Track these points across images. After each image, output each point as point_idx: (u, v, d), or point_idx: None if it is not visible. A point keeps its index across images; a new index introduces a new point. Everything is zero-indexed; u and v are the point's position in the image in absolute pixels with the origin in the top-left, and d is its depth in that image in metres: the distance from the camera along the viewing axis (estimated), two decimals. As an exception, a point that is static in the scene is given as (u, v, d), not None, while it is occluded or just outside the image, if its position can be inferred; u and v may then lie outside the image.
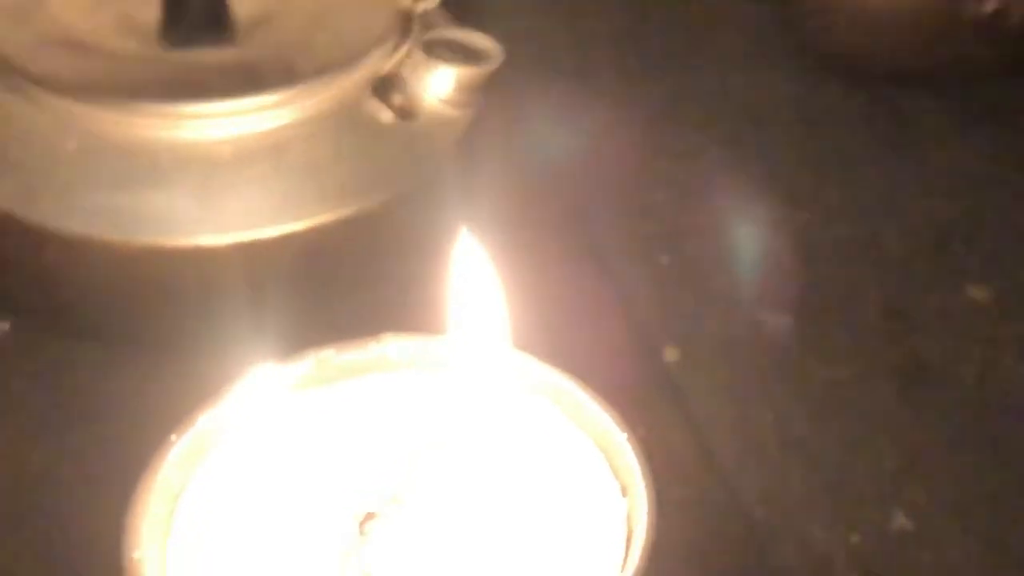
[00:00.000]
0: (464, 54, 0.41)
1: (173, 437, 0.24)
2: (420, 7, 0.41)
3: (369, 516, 0.23)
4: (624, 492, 0.23)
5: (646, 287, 0.43)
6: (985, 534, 0.35)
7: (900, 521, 0.35)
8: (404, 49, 0.40)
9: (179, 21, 0.40)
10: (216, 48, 0.40)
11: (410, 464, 0.24)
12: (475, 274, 0.24)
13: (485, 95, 0.41)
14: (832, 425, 0.38)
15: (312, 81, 0.39)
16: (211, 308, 0.38)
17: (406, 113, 0.40)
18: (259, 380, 0.25)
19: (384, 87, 0.40)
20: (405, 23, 0.41)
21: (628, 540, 0.22)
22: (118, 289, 0.38)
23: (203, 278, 0.37)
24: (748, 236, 0.45)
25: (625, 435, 0.23)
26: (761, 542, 0.35)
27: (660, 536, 0.21)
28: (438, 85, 0.40)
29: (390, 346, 0.26)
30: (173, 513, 0.24)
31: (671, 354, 0.41)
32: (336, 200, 0.38)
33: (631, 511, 0.22)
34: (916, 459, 0.37)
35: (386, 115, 0.40)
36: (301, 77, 0.39)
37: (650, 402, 0.38)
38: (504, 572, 0.22)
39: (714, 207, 0.46)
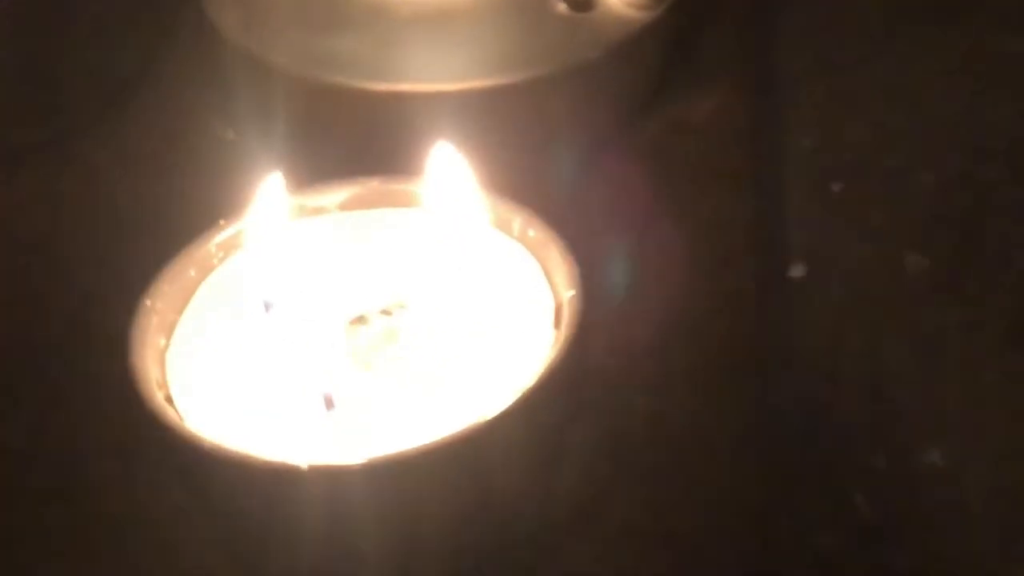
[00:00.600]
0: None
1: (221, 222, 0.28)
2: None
3: (360, 319, 0.29)
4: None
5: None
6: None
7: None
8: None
9: None
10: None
11: (396, 283, 0.30)
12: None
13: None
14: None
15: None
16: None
17: (579, 5, 0.43)
18: (273, 200, 0.29)
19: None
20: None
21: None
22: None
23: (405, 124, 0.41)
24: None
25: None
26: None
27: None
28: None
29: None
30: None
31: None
32: (501, 68, 0.42)
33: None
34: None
35: (560, 5, 0.43)
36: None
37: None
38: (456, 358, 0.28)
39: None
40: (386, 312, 0.29)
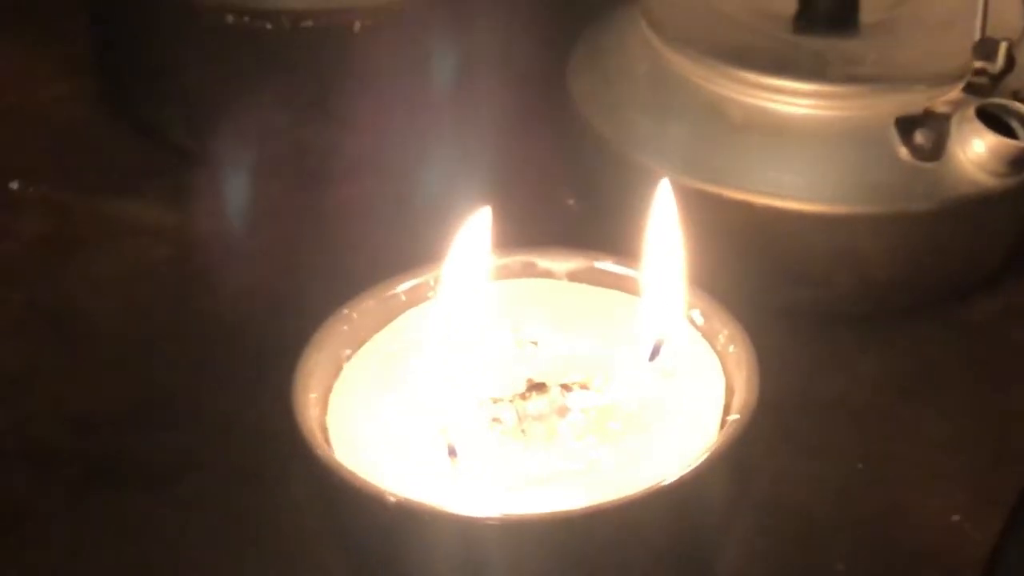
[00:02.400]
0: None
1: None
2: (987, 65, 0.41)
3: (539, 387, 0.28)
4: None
5: None
6: None
7: None
8: (951, 96, 0.40)
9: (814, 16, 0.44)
10: (840, 39, 0.44)
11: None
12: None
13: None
14: None
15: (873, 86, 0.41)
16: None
17: (923, 154, 0.40)
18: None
19: (909, 122, 0.40)
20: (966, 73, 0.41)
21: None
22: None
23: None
24: None
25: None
26: None
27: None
28: (973, 145, 0.40)
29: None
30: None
31: None
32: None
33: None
34: None
35: (902, 149, 0.40)
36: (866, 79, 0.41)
37: None
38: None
39: None
40: (566, 387, 0.28)
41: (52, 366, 0.42)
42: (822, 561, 0.34)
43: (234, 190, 0.48)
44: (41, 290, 0.45)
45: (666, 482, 0.25)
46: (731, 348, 0.28)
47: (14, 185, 0.50)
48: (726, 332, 0.29)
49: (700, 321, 0.30)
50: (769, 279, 0.42)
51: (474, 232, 0.29)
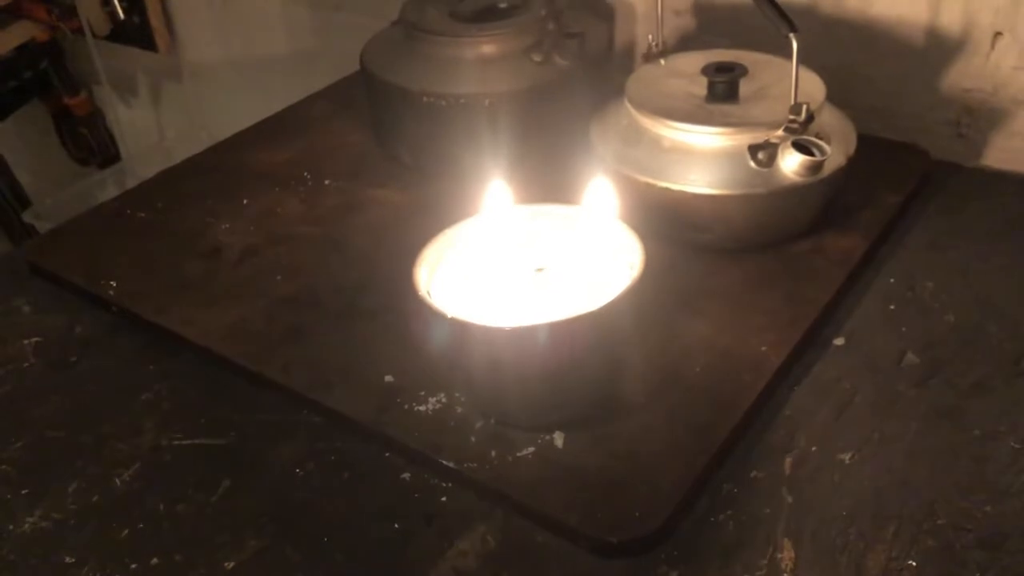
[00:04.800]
0: (818, 150, 0.77)
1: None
2: (796, 118, 0.77)
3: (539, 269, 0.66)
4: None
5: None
6: None
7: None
8: (778, 134, 0.77)
9: (714, 95, 0.81)
10: (727, 105, 0.81)
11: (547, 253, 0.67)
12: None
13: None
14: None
15: (739, 128, 0.78)
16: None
17: (764, 164, 0.76)
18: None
19: (756, 148, 0.76)
20: (786, 121, 0.77)
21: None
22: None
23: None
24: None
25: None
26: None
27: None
28: (789, 160, 0.76)
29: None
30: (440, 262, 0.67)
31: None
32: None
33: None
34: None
35: (752, 162, 0.77)
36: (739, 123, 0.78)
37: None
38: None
39: None
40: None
41: (330, 261, 0.85)
42: (683, 375, 0.70)
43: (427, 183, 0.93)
44: (335, 229, 0.89)
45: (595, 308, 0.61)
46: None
47: (327, 181, 0.95)
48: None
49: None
50: (676, 227, 0.79)
51: (501, 191, 0.67)
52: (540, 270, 0.65)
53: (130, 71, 1.69)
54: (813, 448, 0.64)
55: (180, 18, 1.55)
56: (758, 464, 0.63)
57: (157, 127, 1.73)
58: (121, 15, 1.53)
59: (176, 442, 0.69)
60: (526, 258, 0.66)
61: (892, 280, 0.78)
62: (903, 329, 0.73)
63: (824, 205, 0.81)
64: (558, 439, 0.64)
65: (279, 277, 0.82)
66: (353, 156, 1.00)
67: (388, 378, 0.70)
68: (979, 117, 0.93)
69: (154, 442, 0.69)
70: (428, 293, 0.63)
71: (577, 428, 0.65)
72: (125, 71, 1.69)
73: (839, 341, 0.73)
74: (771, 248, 0.80)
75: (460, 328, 0.60)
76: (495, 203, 0.67)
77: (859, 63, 0.95)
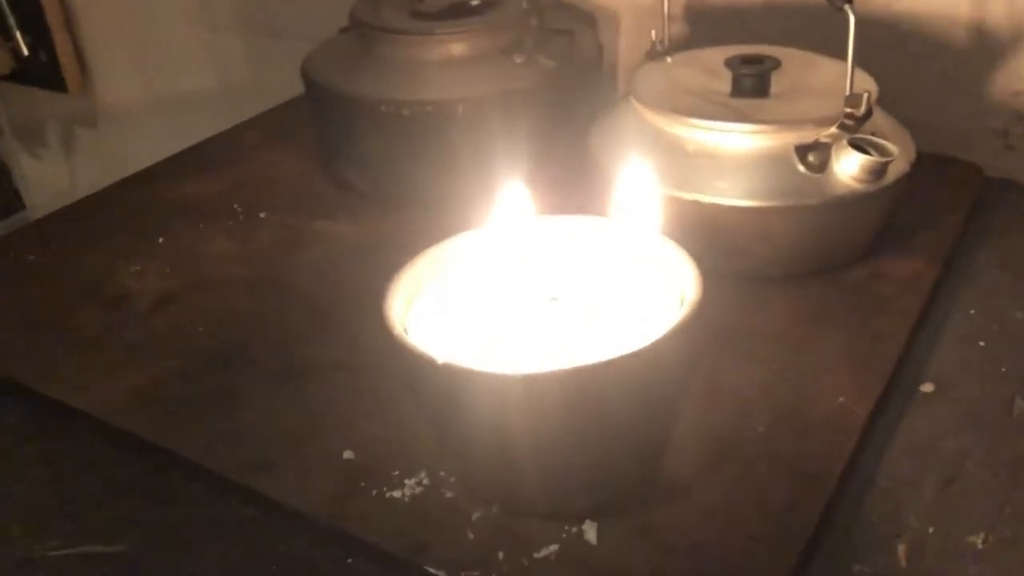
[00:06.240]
0: (878, 151, 0.61)
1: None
2: (854, 111, 0.62)
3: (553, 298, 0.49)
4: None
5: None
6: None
7: None
8: (831, 132, 0.61)
9: (741, 90, 0.66)
10: (759, 100, 0.65)
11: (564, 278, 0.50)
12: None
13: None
14: None
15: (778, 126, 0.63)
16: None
17: (814, 169, 0.61)
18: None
19: (804, 149, 0.61)
20: (840, 117, 0.62)
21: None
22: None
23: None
24: None
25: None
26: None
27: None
28: (846, 163, 0.61)
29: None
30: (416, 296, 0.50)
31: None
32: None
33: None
34: None
35: (800, 166, 0.61)
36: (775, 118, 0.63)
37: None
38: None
39: None
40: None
41: (266, 309, 0.67)
42: (747, 425, 0.54)
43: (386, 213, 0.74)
44: (272, 268, 0.72)
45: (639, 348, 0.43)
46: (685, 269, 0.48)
47: (262, 215, 0.79)
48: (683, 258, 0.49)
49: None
50: (709, 251, 0.61)
51: (513, 198, 0.50)
52: (555, 299, 0.48)
53: (37, 116, 1.50)
54: (930, 530, 0.48)
55: (93, 53, 1.37)
56: (862, 555, 0.46)
57: (69, 178, 1.54)
58: (25, 51, 1.35)
59: (53, 552, 0.50)
60: (536, 285, 0.49)
61: (973, 311, 0.63)
62: (1002, 370, 0.58)
63: (885, 220, 0.65)
64: (590, 531, 0.47)
65: (201, 329, 0.64)
66: (293, 185, 0.82)
67: (347, 454, 0.52)
68: (1034, 124, 0.79)
69: (25, 553, 0.50)
70: (405, 331, 0.46)
71: (614, 515, 0.48)
72: (31, 116, 1.51)
73: (927, 388, 0.57)
74: (822, 275, 0.65)
75: (453, 377, 0.43)
76: (507, 212, 0.50)
77: (889, 66, 0.81)
